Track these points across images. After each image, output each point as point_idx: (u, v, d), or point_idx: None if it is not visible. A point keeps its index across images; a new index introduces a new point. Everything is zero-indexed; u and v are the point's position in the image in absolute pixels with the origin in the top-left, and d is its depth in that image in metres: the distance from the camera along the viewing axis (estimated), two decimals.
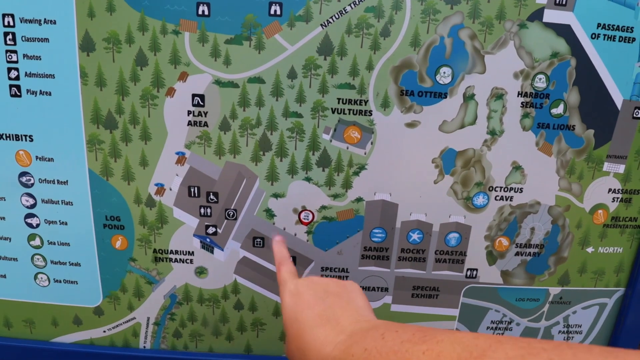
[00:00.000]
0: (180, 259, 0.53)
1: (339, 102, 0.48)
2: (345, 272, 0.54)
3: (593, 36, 0.48)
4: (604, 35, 0.48)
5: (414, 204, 0.52)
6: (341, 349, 0.27)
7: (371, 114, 0.49)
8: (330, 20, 0.46)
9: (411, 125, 0.49)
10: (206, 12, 0.46)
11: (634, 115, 0.51)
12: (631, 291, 0.56)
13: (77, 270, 0.55)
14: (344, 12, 0.46)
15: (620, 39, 0.49)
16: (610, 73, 0.49)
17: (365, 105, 0.48)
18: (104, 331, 0.57)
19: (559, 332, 0.58)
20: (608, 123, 0.50)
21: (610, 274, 0.56)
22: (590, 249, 0.54)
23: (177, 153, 0.49)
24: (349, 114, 0.49)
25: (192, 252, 0.53)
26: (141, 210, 0.51)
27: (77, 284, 0.55)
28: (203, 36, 0.46)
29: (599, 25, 0.48)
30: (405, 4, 0.46)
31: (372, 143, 0.49)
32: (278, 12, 0.46)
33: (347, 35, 0.47)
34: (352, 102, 0.48)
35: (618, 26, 0.48)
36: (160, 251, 0.53)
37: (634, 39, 0.49)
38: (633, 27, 0.48)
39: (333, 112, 0.49)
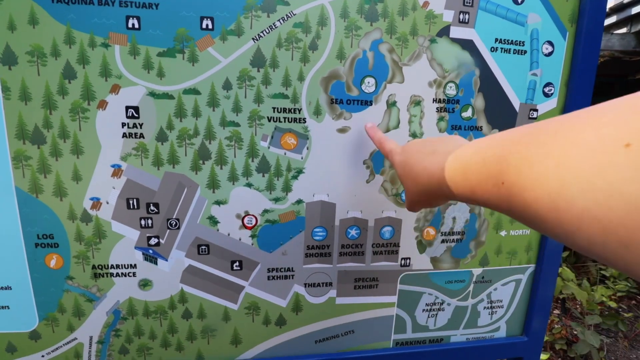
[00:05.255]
0: (122, 273, 0.52)
1: (274, 111, 0.51)
2: (291, 271, 0.57)
3: (492, 49, 0.56)
4: (501, 48, 0.56)
5: (350, 203, 0.56)
6: (453, 157, 0.30)
7: (305, 122, 0.52)
8: (262, 34, 0.49)
9: (342, 130, 0.53)
10: (136, 26, 0.46)
11: (530, 116, 0.60)
12: (540, 267, 0.65)
13: (8, 294, 0.51)
14: (274, 27, 0.49)
15: (514, 51, 0.57)
16: (508, 80, 0.58)
17: (299, 113, 0.52)
18: (42, 356, 0.54)
19: (484, 307, 0.65)
20: (509, 123, 0.59)
21: (521, 253, 0.65)
22: (503, 233, 0.63)
23: (113, 166, 0.49)
24: (285, 122, 0.52)
25: (135, 265, 0.52)
26: (76, 226, 0.50)
27: (8, 308, 0.52)
28: (134, 49, 0.47)
29: (496, 40, 0.56)
30: (330, 20, 0.50)
31: (307, 148, 0.53)
32: (210, 27, 0.48)
33: (278, 48, 0.50)
34: (287, 111, 0.52)
35: (512, 40, 0.57)
36: (100, 267, 0.52)
37: (525, 52, 0.57)
38: (524, 41, 0.57)
39: (269, 121, 0.51)
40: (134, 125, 0.49)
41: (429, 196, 0.35)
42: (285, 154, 0.53)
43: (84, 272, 0.52)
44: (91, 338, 0.54)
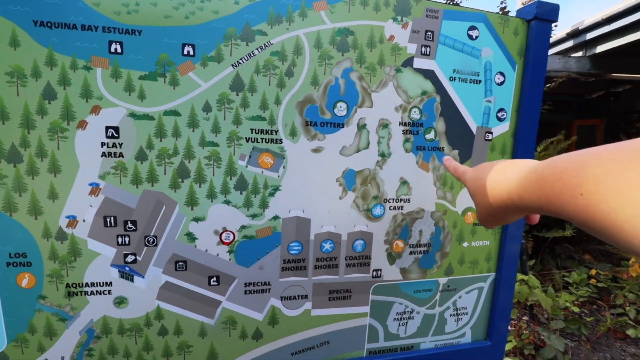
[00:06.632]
0: (96, 291, 0.52)
1: (252, 132, 0.54)
2: (267, 285, 0.59)
3: (451, 79, 0.62)
4: (459, 78, 0.63)
5: (324, 218, 0.59)
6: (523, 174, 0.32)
7: (282, 142, 0.56)
8: (241, 61, 0.53)
9: (316, 150, 0.57)
10: (119, 50, 0.49)
11: (485, 138, 0.66)
12: (499, 275, 0.71)
13: None
14: (252, 54, 0.53)
15: (471, 81, 0.64)
16: (465, 106, 0.64)
17: (276, 134, 0.55)
18: None
19: (450, 315, 0.70)
20: (467, 144, 0.65)
21: (482, 263, 0.70)
22: (465, 244, 0.68)
23: (91, 184, 0.50)
24: (262, 142, 0.55)
25: (110, 283, 0.53)
26: (51, 244, 0.50)
27: None
28: (116, 72, 0.49)
29: (454, 70, 0.62)
30: (305, 50, 0.55)
31: (284, 167, 0.56)
32: (191, 53, 0.51)
33: (256, 74, 0.53)
34: (264, 132, 0.55)
35: (468, 71, 0.63)
36: (74, 285, 0.52)
37: (480, 81, 0.64)
38: (479, 72, 0.64)
39: (247, 141, 0.54)
40: (114, 145, 0.50)
41: (498, 209, 0.37)
42: (262, 172, 0.56)
43: (57, 291, 0.51)
44: (62, 358, 0.53)
